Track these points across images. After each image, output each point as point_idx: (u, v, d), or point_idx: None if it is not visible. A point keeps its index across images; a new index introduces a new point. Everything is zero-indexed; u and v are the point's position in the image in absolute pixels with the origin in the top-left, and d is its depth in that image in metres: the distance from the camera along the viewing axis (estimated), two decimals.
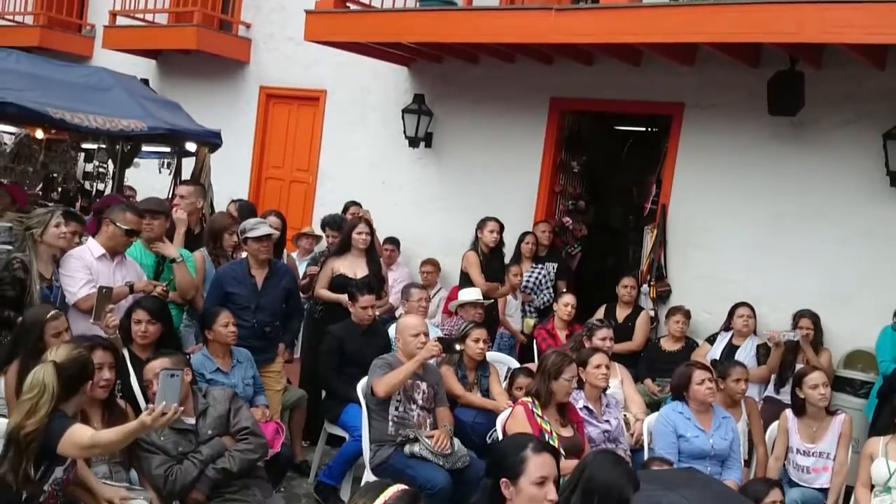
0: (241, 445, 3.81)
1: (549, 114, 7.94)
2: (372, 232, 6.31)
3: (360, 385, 5.00)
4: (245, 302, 5.23)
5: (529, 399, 4.54)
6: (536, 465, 2.63)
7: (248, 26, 10.09)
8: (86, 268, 4.74)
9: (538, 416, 4.44)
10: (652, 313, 7.08)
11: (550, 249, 7.61)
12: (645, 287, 7.23)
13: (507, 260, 7.09)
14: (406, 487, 2.26)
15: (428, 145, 8.56)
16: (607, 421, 4.89)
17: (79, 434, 2.98)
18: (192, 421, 3.80)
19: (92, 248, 4.86)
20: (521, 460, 2.65)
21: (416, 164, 8.71)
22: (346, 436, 5.32)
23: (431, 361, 5.14)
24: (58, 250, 4.75)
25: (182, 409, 3.31)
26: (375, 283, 5.90)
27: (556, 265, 7.49)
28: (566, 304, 6.51)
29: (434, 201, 8.55)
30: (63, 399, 3.09)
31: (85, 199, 7.50)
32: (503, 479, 2.63)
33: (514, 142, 8.07)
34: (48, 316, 3.84)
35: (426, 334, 4.97)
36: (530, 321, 7.15)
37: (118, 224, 4.82)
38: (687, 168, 7.20)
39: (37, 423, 3.00)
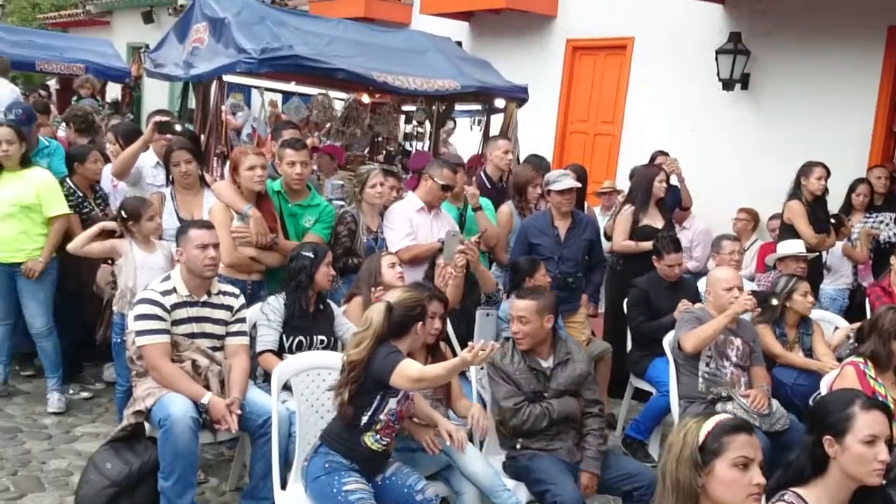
0: (594, 427, 3.87)
1: (887, 44, 7.06)
2: (667, 181, 6.07)
3: (668, 339, 4.86)
4: (548, 253, 5.32)
5: (861, 359, 4.10)
6: (866, 422, 2.39)
7: None
8: (407, 220, 5.10)
9: (871, 377, 3.99)
10: None
11: (887, 198, 6.77)
12: None
13: (831, 208, 6.44)
14: (738, 417, 2.20)
15: (744, 87, 8.02)
16: None
17: (409, 368, 3.22)
18: (549, 364, 3.91)
19: (412, 201, 5.22)
20: (848, 416, 2.41)
21: (731, 108, 8.20)
22: (653, 390, 5.23)
23: (745, 316, 4.85)
24: (379, 205, 5.17)
25: (498, 345, 3.42)
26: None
27: (894, 216, 6.65)
28: None
29: (750, 147, 8.01)
30: (396, 336, 3.37)
31: (405, 159, 8.04)
32: (827, 437, 2.41)
33: (844, 78, 7.28)
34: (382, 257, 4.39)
35: (740, 288, 4.70)
36: (869, 229, 6.46)
37: (436, 179, 5.11)
38: None
39: (358, 353, 3.29)
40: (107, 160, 5.79)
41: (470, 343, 3.18)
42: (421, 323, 3.43)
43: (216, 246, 4.05)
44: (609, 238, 6.33)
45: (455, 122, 8.95)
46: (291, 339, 4.22)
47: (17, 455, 4.59)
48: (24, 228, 5.08)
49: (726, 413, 2.26)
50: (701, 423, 2.21)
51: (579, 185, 5.55)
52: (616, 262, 6.10)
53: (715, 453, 2.15)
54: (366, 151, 8.04)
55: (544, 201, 5.69)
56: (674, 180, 6.50)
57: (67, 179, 5.41)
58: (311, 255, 4.28)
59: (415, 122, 7.88)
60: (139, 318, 3.90)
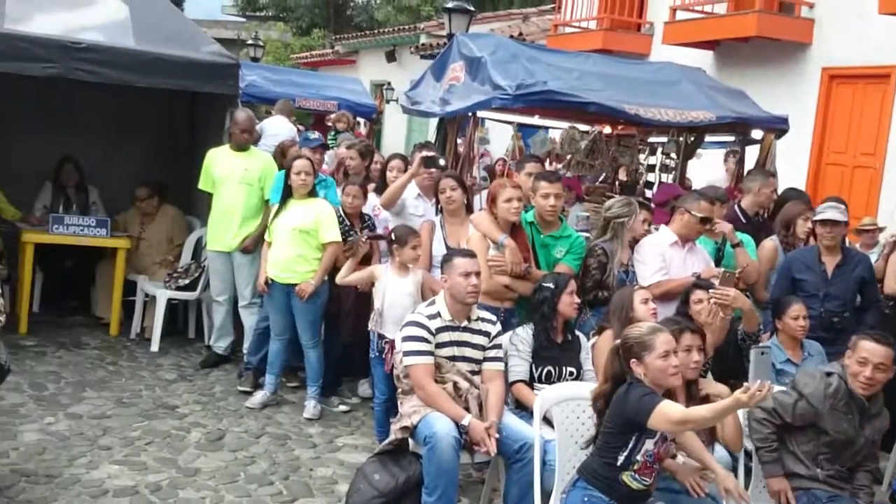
0: (864, 483, 3.71)
1: None
2: None
3: None
4: (813, 289, 5.05)
5: None
6: None
7: (811, 6, 9.61)
8: (659, 255, 5.01)
9: None
10: None
11: None
12: None
13: None
14: None
15: None
16: None
17: (669, 409, 3.14)
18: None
19: (665, 235, 5.13)
20: None
21: None
22: None
23: None
24: (634, 238, 5.12)
25: (773, 385, 3.28)
26: None
27: None
28: None
29: None
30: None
31: (648, 190, 7.90)
32: None
33: None
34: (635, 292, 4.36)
35: None
36: None
37: (693, 212, 4.99)
38: None
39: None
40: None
41: (745, 384, 3.06)
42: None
43: (478, 274, 4.21)
44: (878, 280, 5.85)
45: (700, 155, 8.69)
46: (541, 369, 4.28)
47: (288, 461, 4.96)
48: (301, 252, 5.53)
49: None
50: None
51: (843, 218, 5.21)
52: (887, 305, 5.63)
53: None
54: (601, 181, 7.97)
55: (812, 237, 5.40)
56: None
57: (339, 209, 5.83)
58: (551, 285, 4.35)
59: (661, 154, 7.73)
60: (407, 339, 4.13)
